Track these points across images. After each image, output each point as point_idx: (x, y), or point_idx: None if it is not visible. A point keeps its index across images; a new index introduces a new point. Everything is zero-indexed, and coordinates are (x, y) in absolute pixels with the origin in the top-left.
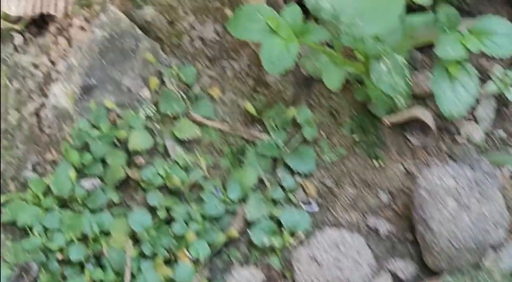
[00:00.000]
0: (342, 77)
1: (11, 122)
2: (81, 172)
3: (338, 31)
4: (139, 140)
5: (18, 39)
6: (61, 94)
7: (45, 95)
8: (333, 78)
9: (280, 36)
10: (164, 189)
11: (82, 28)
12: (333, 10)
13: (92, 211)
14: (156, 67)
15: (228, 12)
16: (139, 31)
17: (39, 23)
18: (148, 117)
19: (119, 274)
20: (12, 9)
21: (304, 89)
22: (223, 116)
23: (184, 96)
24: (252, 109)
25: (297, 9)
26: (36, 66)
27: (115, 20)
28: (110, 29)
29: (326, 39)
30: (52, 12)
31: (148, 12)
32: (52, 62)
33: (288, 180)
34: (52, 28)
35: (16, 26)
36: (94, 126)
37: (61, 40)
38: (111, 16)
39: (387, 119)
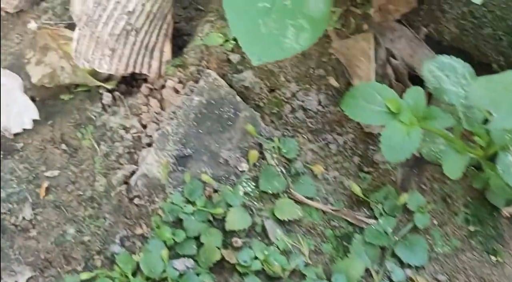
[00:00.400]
0: (463, 166)
1: (98, 189)
2: (173, 250)
3: (462, 117)
4: (236, 219)
5: (107, 98)
6: (153, 163)
7: (135, 162)
8: (453, 166)
9: (401, 120)
10: (262, 273)
11: (176, 90)
12: (464, 97)
13: None
14: (255, 139)
15: (332, 81)
16: (239, 99)
17: (130, 82)
18: (246, 194)
19: None
20: (104, 67)
21: (415, 171)
22: (326, 196)
23: (285, 172)
24: (357, 190)
25: (420, 91)
26: (125, 128)
27: (213, 86)
28: (208, 95)
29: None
30: (145, 71)
31: (247, 77)
32: (143, 126)
33: (397, 273)
34: (143, 88)
35: (106, 85)
36: (188, 200)
37: (153, 102)
38: (210, 81)
39: (507, 211)
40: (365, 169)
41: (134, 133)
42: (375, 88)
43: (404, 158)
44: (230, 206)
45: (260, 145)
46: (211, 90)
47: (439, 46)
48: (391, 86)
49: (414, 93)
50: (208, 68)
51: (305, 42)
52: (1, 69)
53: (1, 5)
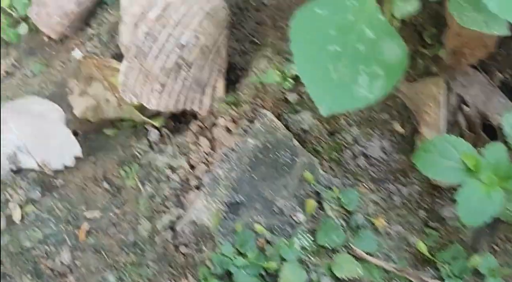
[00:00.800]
0: None
1: (142, 234)
2: None
3: None
4: (291, 275)
5: (153, 135)
6: (202, 209)
7: (182, 206)
8: None
9: (480, 179)
10: None
11: (228, 130)
12: None
13: None
14: (313, 187)
15: (397, 127)
16: (296, 143)
17: (179, 119)
18: (303, 247)
19: None
20: (153, 102)
21: (487, 231)
22: (388, 253)
23: (345, 225)
24: (423, 248)
25: (501, 148)
26: (172, 169)
27: (270, 128)
28: (264, 138)
29: None
30: (195, 108)
31: (305, 119)
32: (192, 166)
33: None
34: (193, 126)
35: (154, 121)
36: (239, 252)
37: (203, 141)
38: (266, 123)
39: None
40: (432, 225)
41: (182, 174)
42: (450, 142)
43: (483, 221)
44: (284, 260)
45: (318, 194)
46: (267, 133)
47: None
48: (462, 136)
49: (495, 149)
50: (263, 107)
51: (379, 90)
52: (43, 99)
53: (44, 31)
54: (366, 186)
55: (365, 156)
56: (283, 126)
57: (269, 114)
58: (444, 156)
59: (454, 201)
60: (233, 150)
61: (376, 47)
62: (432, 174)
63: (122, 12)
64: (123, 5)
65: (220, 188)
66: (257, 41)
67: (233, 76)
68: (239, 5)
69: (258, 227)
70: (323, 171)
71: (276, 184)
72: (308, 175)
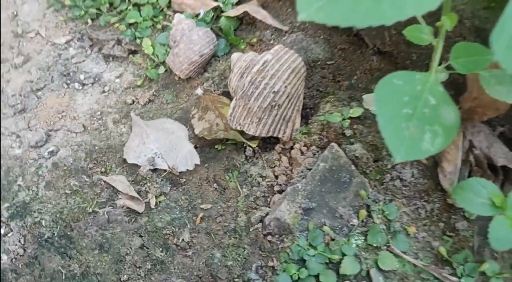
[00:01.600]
0: None
1: (240, 224)
2: None
3: None
4: (349, 266)
5: (249, 151)
6: (285, 211)
7: (268, 204)
8: None
9: (506, 215)
10: None
11: (302, 152)
12: None
13: None
14: (364, 201)
15: (424, 160)
16: (353, 168)
17: (267, 141)
18: (357, 245)
19: None
20: (251, 131)
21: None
22: (416, 252)
23: (386, 230)
24: (443, 251)
25: None
26: (262, 177)
27: (335, 156)
28: (330, 162)
29: None
30: (280, 136)
31: (357, 149)
32: (276, 176)
33: None
34: (277, 147)
35: (251, 143)
36: (311, 245)
37: (284, 159)
38: (333, 152)
39: None
40: (448, 234)
41: (268, 181)
42: (480, 183)
43: (509, 248)
44: (344, 254)
45: (368, 206)
46: (333, 159)
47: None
48: (471, 170)
49: None
50: (327, 138)
51: (439, 146)
52: (173, 120)
53: (176, 73)
54: (400, 201)
55: (400, 179)
56: (345, 155)
57: (335, 146)
58: (476, 194)
59: (465, 217)
60: (308, 169)
61: (437, 111)
62: (468, 208)
63: (231, 64)
64: (233, 60)
65: (299, 197)
66: (321, 89)
67: (304, 113)
68: (309, 63)
69: (325, 228)
70: (371, 188)
71: (338, 196)
72: (362, 192)
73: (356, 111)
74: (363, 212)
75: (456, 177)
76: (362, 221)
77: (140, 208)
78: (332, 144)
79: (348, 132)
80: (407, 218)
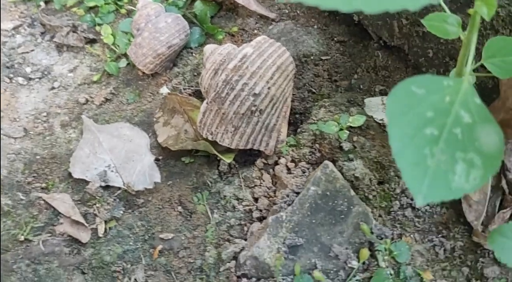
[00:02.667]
0: None
1: (208, 260)
2: None
3: None
4: None
5: (223, 166)
6: (264, 248)
7: (245, 235)
8: None
9: None
10: None
11: (288, 168)
12: None
13: None
14: (367, 237)
15: None
16: (353, 193)
17: (246, 154)
18: None
19: None
20: (225, 142)
21: None
22: None
23: (395, 275)
24: None
25: None
26: (238, 199)
27: (330, 178)
28: (324, 186)
29: None
30: (262, 149)
31: (358, 167)
32: (255, 199)
33: None
34: (258, 162)
35: (225, 157)
36: None
37: (266, 177)
38: (327, 173)
39: None
40: None
41: (246, 205)
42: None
43: None
44: None
45: (371, 243)
46: (327, 182)
47: None
48: (504, 199)
49: None
50: (320, 152)
51: (476, 181)
52: (133, 126)
53: (139, 67)
54: (412, 236)
55: (412, 207)
56: (342, 176)
57: (330, 165)
58: (507, 237)
59: (496, 261)
60: (296, 192)
61: (473, 133)
62: (506, 259)
63: (204, 58)
64: (206, 53)
65: (282, 230)
66: (314, 90)
67: (292, 119)
68: (300, 58)
69: (315, 273)
70: (375, 220)
71: (332, 230)
72: (364, 226)
73: (356, 120)
74: (365, 252)
75: (484, 207)
76: (364, 264)
77: (85, 237)
78: (326, 162)
79: (347, 145)
80: (422, 259)
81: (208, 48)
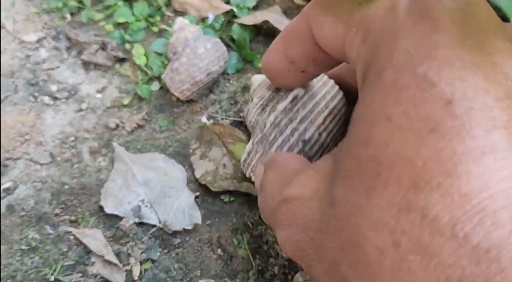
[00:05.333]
0: None
1: None
2: None
3: None
4: None
5: None
6: None
7: None
8: None
9: None
10: None
11: None
12: None
13: None
14: None
15: None
16: None
17: None
18: None
19: None
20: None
21: None
22: None
23: None
24: None
25: None
26: None
27: None
28: None
29: None
30: None
31: None
32: None
33: None
34: None
35: None
36: None
37: None
38: None
39: None
40: None
41: None
42: None
43: None
44: None
45: None
46: None
47: None
48: None
49: None
50: None
51: None
52: (168, 158)
53: (175, 93)
54: None
55: None
56: None
57: None
58: None
59: None
60: None
61: None
62: None
63: (251, 90)
64: (254, 84)
65: None
66: None
67: None
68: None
69: None
70: None
71: None
72: None
73: None
74: None
75: None
76: None
77: (119, 279)
78: None
79: None
80: None
81: (257, 79)
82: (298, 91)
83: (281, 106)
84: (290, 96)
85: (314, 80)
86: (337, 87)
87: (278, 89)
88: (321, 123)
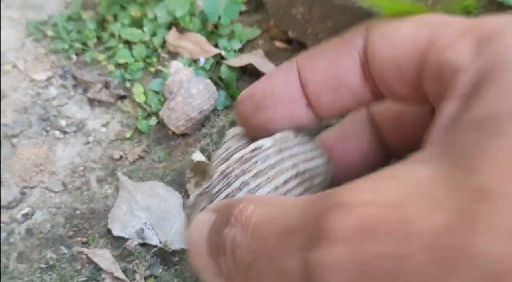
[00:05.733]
0: None
1: None
2: None
3: None
4: None
5: None
6: None
7: None
8: None
9: None
10: None
11: None
12: None
13: None
14: None
15: None
16: None
17: None
18: None
19: None
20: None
21: None
22: None
23: None
24: None
25: None
26: None
27: None
28: None
29: None
30: None
31: None
32: None
33: None
34: None
35: None
36: None
37: None
38: None
39: None
40: None
41: None
42: None
43: None
44: None
45: None
46: None
47: None
48: None
49: None
50: None
51: None
52: (166, 186)
53: (172, 128)
54: None
55: None
56: None
57: None
58: None
59: None
60: None
61: None
62: None
63: (221, 143)
64: (226, 137)
65: None
66: None
67: None
68: None
69: None
70: None
71: None
72: None
73: None
74: None
75: None
76: None
77: None
78: None
79: None
80: None
81: (230, 132)
82: (265, 141)
83: (238, 155)
84: (253, 145)
85: (292, 135)
86: (320, 150)
87: (247, 140)
88: (281, 184)
